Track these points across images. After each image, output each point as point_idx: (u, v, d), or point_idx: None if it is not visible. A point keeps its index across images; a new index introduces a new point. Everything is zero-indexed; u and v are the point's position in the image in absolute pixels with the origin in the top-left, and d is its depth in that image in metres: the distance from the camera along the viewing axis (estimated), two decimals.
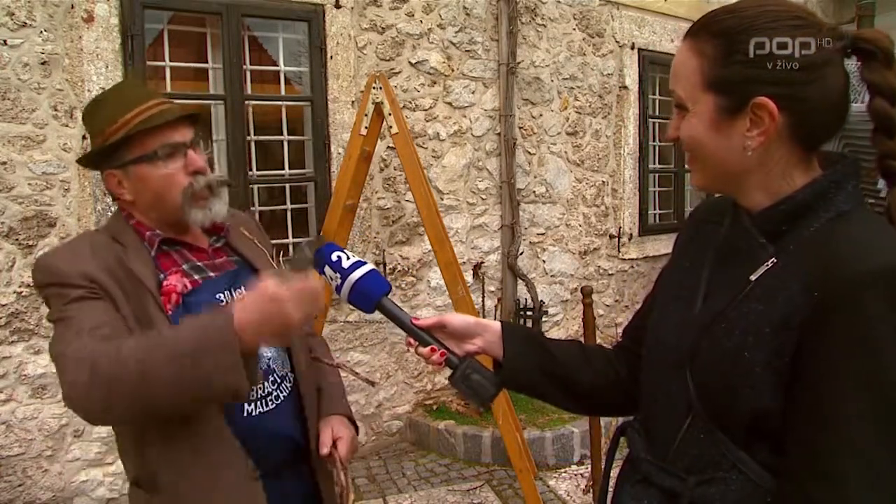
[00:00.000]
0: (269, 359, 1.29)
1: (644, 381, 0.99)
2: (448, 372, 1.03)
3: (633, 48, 4.80)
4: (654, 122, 5.09)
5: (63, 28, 2.83)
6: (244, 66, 3.33)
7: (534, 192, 4.39)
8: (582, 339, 2.84)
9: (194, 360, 0.98)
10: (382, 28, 3.69)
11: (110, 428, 1.30)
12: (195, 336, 0.99)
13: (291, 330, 1.03)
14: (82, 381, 1.01)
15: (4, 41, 2.72)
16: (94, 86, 2.85)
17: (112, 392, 1.00)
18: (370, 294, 1.04)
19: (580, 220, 4.67)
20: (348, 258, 1.06)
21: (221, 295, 1.26)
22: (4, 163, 2.76)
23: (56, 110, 2.84)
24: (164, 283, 1.20)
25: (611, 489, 1.04)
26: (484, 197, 4.17)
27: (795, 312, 0.75)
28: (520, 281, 4.24)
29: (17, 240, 2.81)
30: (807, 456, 0.74)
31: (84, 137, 2.87)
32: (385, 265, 3.76)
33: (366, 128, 2.81)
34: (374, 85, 2.77)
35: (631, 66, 4.80)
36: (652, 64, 4.96)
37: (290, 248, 3.61)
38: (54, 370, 1.08)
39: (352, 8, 3.56)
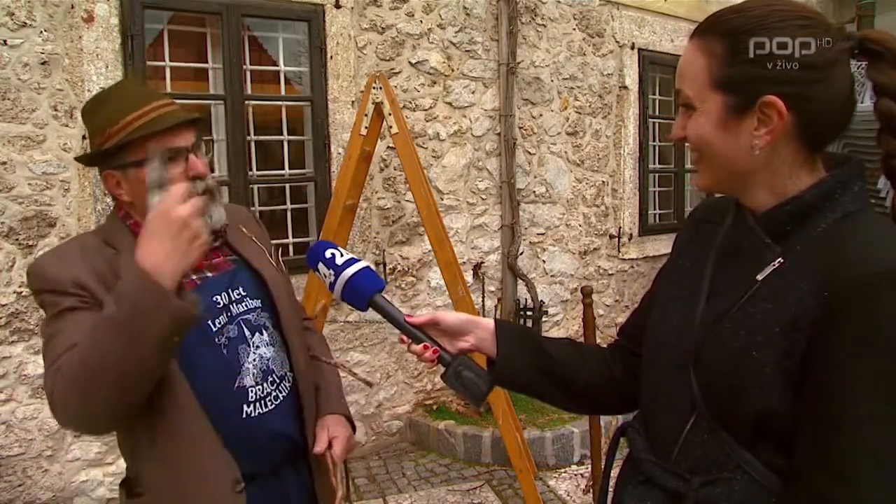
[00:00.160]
0: (268, 359, 1.29)
1: (644, 381, 0.99)
2: (442, 370, 1.03)
3: (633, 48, 4.80)
4: (654, 122, 5.09)
5: (63, 28, 2.83)
6: (244, 66, 3.33)
7: (534, 192, 4.39)
8: (582, 339, 2.84)
9: (131, 317, 0.98)
10: (382, 28, 3.69)
11: None
12: (118, 299, 0.99)
13: (193, 230, 1.02)
14: (58, 390, 1.03)
15: (4, 41, 2.72)
16: (94, 86, 2.85)
17: (83, 390, 1.01)
18: (363, 291, 1.04)
19: (580, 220, 4.67)
20: (342, 255, 1.06)
21: (218, 297, 1.25)
22: (4, 163, 2.76)
23: (56, 110, 2.84)
24: None
25: (611, 489, 1.04)
26: (484, 197, 4.17)
27: (805, 313, 0.75)
28: (520, 281, 4.24)
29: (17, 240, 2.81)
30: (818, 456, 0.74)
31: (84, 137, 2.87)
32: (385, 265, 3.76)
33: (366, 128, 2.81)
34: (374, 85, 2.77)
35: (631, 66, 4.80)
36: (652, 64, 4.96)
37: (290, 248, 3.61)
38: None
39: (352, 8, 3.56)
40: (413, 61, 3.81)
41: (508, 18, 4.07)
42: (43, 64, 2.80)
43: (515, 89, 4.18)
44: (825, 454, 0.74)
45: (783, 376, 0.76)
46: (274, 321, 1.34)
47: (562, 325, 4.64)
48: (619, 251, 4.91)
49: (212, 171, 1.30)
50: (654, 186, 5.24)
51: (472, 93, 4.05)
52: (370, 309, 1.05)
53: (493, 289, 4.24)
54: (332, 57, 3.50)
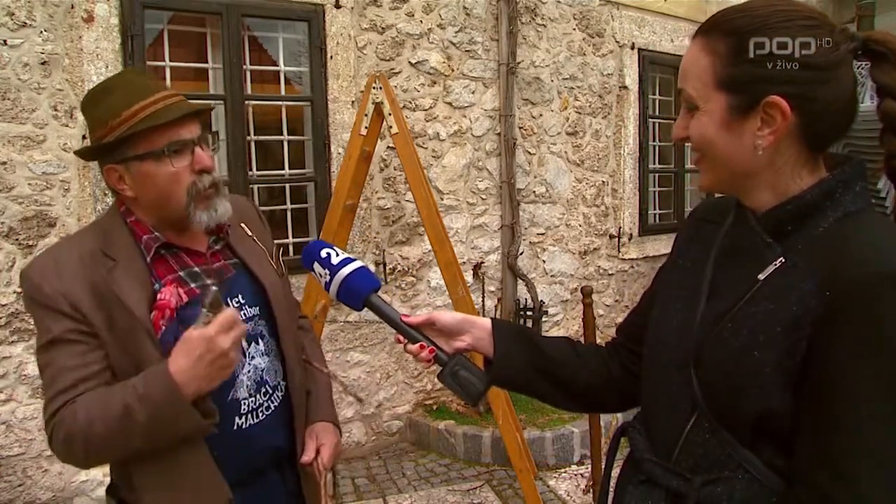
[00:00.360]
0: (262, 370, 1.27)
1: (645, 380, 0.99)
2: (439, 369, 1.03)
3: (633, 48, 4.80)
4: (654, 122, 5.09)
5: (63, 28, 2.83)
6: (244, 66, 3.33)
7: (534, 192, 4.39)
8: (582, 339, 2.84)
9: (148, 421, 1.04)
10: (382, 28, 3.69)
11: None
12: (140, 398, 1.04)
13: (228, 360, 1.07)
14: (58, 442, 1.09)
15: (4, 41, 2.72)
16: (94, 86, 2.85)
17: (85, 453, 1.09)
18: (359, 290, 1.03)
19: (580, 220, 4.67)
20: (337, 255, 1.05)
21: None
22: (4, 163, 2.76)
23: (56, 110, 2.84)
24: (158, 297, 1.15)
25: (611, 490, 1.04)
26: (484, 197, 4.17)
27: (807, 312, 0.75)
28: (520, 281, 4.24)
29: (17, 240, 2.80)
30: (819, 456, 0.74)
31: (84, 137, 2.87)
32: (385, 265, 3.76)
33: (366, 128, 2.81)
34: (374, 85, 2.76)
35: (631, 66, 4.80)
36: (652, 64, 4.96)
37: (290, 248, 3.61)
38: None
39: (352, 8, 3.56)
40: (413, 61, 3.81)
41: (508, 18, 4.07)
42: (43, 64, 2.80)
43: (515, 89, 4.18)
44: (826, 454, 0.74)
45: (783, 376, 0.76)
46: (270, 329, 1.31)
47: (562, 325, 4.64)
48: (619, 251, 4.91)
49: None
50: (654, 186, 5.24)
51: (472, 93, 4.05)
52: (366, 309, 1.05)
53: (493, 289, 4.24)
54: (332, 57, 3.51)
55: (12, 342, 2.82)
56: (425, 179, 2.84)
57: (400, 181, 3.77)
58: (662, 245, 5.08)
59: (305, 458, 1.30)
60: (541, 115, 4.37)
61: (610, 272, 4.91)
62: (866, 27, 5.57)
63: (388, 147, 3.64)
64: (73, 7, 2.84)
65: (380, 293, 1.06)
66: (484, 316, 3.91)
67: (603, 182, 4.79)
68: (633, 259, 5.02)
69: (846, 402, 0.72)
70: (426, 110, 3.88)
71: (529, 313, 4.19)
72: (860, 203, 0.81)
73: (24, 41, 2.76)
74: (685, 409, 0.86)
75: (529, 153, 4.35)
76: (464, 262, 3.99)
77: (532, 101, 4.31)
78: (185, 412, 1.04)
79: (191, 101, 1.23)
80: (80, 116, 2.87)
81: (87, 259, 1.14)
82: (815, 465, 0.75)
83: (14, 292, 2.80)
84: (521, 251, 4.28)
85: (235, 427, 1.21)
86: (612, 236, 4.87)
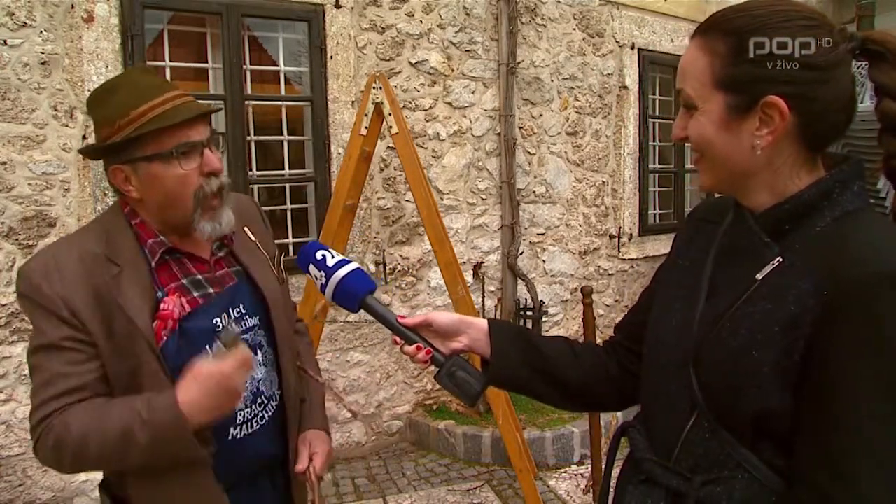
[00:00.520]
0: (258, 381, 1.27)
1: (644, 380, 0.99)
2: (436, 370, 1.03)
3: (633, 48, 4.80)
4: (654, 122, 5.09)
5: (63, 28, 2.83)
6: (244, 66, 3.33)
7: (534, 192, 4.39)
8: (582, 339, 2.84)
9: (149, 443, 1.05)
10: (382, 28, 3.69)
11: None
12: (143, 422, 1.04)
13: (237, 397, 1.09)
14: (43, 449, 1.09)
15: (4, 41, 2.72)
16: (94, 86, 2.84)
17: (75, 464, 1.10)
18: (355, 292, 1.03)
19: (580, 220, 4.68)
20: (332, 257, 1.05)
21: (218, 319, 1.20)
22: (4, 163, 2.76)
23: (56, 110, 2.84)
24: (161, 307, 1.13)
25: (611, 489, 1.04)
26: (484, 197, 4.17)
27: (805, 312, 0.75)
28: (520, 281, 4.24)
29: (17, 240, 2.81)
30: (818, 456, 0.75)
31: (84, 138, 2.87)
32: (385, 265, 3.76)
33: (366, 128, 2.81)
34: (374, 85, 2.76)
35: (631, 66, 4.80)
36: (652, 64, 4.96)
37: (290, 248, 3.61)
38: None
39: (352, 8, 3.56)
40: (413, 61, 3.81)
41: (508, 18, 4.07)
42: (43, 64, 2.80)
43: (515, 89, 4.18)
44: (826, 454, 0.74)
45: (782, 376, 0.76)
46: (269, 339, 1.31)
47: (562, 325, 4.64)
48: (619, 251, 4.91)
49: None
50: (654, 186, 5.24)
51: (472, 93, 4.05)
52: (362, 310, 1.05)
53: (493, 289, 4.24)
54: (332, 57, 3.51)
55: (12, 342, 2.82)
56: (425, 179, 2.84)
57: (400, 181, 3.78)
58: (662, 245, 5.08)
59: (300, 467, 1.30)
60: (541, 115, 4.37)
61: (610, 272, 4.91)
62: (866, 27, 5.57)
63: (388, 147, 3.65)
64: (73, 7, 2.84)
65: (379, 293, 1.06)
66: (484, 316, 3.92)
67: (603, 182, 4.79)
68: (633, 259, 5.02)
69: (846, 402, 0.73)
70: (426, 110, 3.88)
71: (529, 313, 4.19)
72: (858, 202, 0.81)
73: (24, 41, 2.76)
74: (685, 409, 0.86)
75: (529, 153, 4.35)
76: (464, 262, 3.99)
77: (532, 101, 4.31)
78: (186, 442, 1.06)
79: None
80: (80, 116, 2.87)
81: (88, 260, 1.12)
82: (815, 465, 0.75)
83: (14, 292, 2.80)
84: (521, 251, 4.28)
85: (230, 437, 1.21)
86: (612, 236, 4.87)
